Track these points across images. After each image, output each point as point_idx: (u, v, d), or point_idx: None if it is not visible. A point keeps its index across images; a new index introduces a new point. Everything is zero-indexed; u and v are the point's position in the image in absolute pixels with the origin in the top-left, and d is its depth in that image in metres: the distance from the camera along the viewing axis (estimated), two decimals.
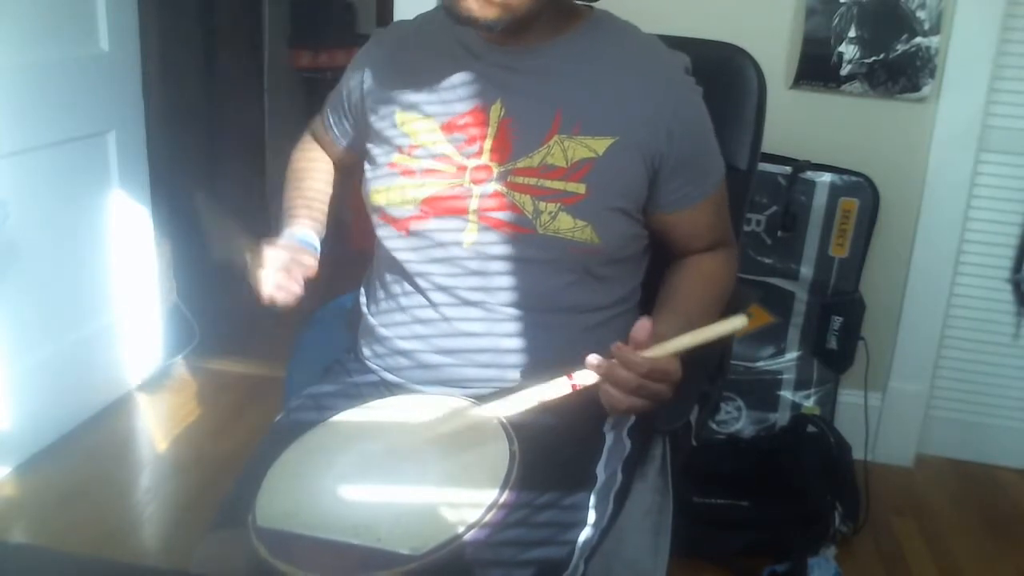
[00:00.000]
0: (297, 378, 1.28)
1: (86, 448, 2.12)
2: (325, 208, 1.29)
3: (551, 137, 1.08)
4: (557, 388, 0.98)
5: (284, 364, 1.33)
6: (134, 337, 2.38)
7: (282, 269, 1.12)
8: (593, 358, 0.96)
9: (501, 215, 1.08)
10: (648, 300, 1.20)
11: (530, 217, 1.07)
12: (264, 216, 3.40)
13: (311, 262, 1.17)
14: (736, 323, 0.95)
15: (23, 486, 1.96)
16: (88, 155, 2.15)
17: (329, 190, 1.32)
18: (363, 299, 1.27)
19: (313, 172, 1.33)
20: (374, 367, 1.20)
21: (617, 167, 1.08)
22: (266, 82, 3.35)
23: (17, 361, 1.99)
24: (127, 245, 2.31)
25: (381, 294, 1.21)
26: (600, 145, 1.07)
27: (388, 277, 1.19)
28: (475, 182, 1.09)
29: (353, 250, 1.27)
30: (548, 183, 1.07)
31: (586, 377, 0.96)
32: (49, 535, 1.81)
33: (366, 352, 1.22)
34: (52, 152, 2.02)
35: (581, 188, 1.07)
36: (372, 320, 1.21)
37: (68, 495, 1.93)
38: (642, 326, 0.96)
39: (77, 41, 2.08)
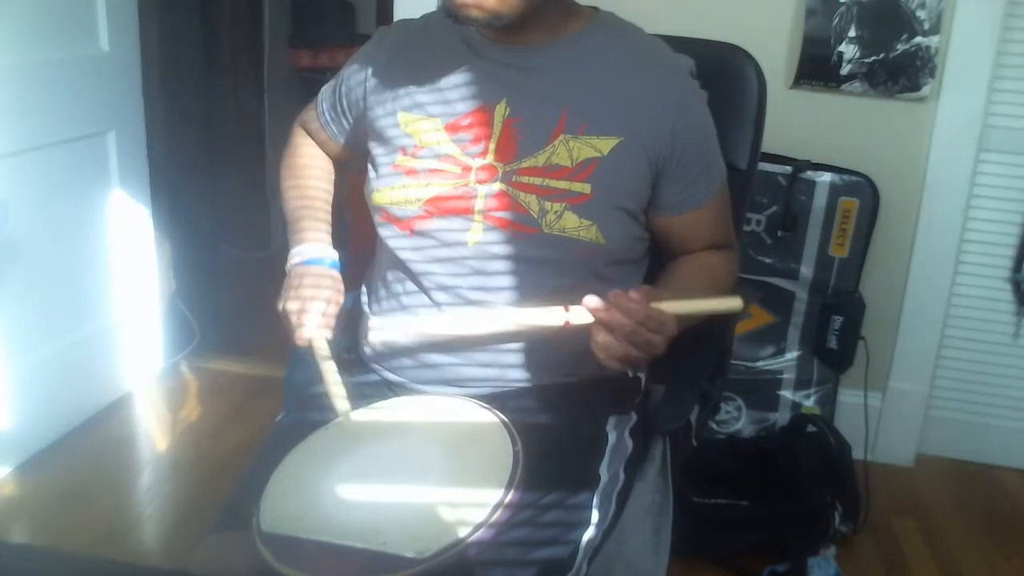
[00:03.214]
0: (297, 378, 1.28)
1: (86, 448, 2.12)
2: (329, 208, 1.29)
3: (556, 137, 1.08)
4: (551, 318, 0.96)
5: (284, 364, 1.33)
6: (134, 337, 2.38)
7: (323, 321, 1.13)
8: (591, 299, 0.94)
9: (507, 214, 1.08)
10: None
11: (536, 216, 1.07)
12: (264, 216, 3.41)
13: (342, 296, 1.17)
14: (733, 303, 0.96)
15: (23, 486, 1.96)
16: (88, 155, 2.15)
17: (331, 188, 1.32)
18: (364, 298, 1.27)
19: (313, 171, 1.32)
20: (375, 366, 1.20)
21: (622, 167, 1.08)
22: (266, 82, 3.35)
23: (17, 361, 1.99)
24: (127, 245, 2.31)
25: (383, 293, 1.21)
26: (605, 145, 1.07)
27: (390, 276, 1.19)
28: (480, 182, 1.09)
29: (353, 250, 1.27)
30: (553, 183, 1.07)
31: (581, 315, 0.95)
32: (49, 535, 1.81)
33: (367, 351, 1.22)
34: (52, 152, 2.02)
35: (586, 188, 1.07)
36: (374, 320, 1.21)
37: (68, 495, 1.93)
38: (643, 287, 0.96)
39: (77, 41, 2.08)
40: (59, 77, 2.01)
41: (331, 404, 1.06)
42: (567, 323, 0.96)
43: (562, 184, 1.07)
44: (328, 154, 1.34)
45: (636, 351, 0.93)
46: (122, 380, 2.36)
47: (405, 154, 1.13)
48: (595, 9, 1.16)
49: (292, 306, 1.13)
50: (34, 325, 2.04)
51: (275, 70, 3.39)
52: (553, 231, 1.07)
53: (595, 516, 1.00)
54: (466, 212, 1.10)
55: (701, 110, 1.13)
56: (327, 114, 1.29)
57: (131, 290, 2.35)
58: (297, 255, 1.20)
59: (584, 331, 0.96)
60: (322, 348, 1.11)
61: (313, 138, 1.35)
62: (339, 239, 1.25)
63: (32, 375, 2.03)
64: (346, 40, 3.41)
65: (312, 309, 1.12)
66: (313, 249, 1.21)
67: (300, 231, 1.23)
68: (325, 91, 1.30)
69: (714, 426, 2.16)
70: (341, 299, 1.17)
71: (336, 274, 1.20)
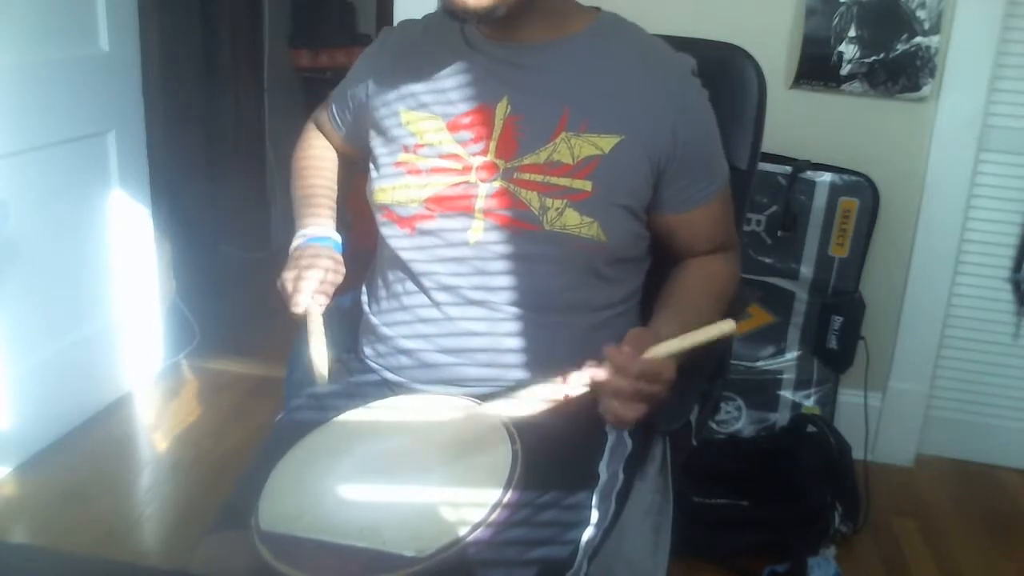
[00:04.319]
0: (297, 378, 1.28)
1: (86, 448, 2.12)
2: (334, 200, 1.30)
3: (558, 134, 1.08)
4: (553, 393, 0.98)
5: (284, 364, 1.33)
6: (134, 337, 2.38)
7: (318, 289, 1.14)
8: (586, 372, 0.96)
9: (507, 212, 1.08)
10: (648, 299, 1.20)
11: (536, 213, 1.07)
12: (264, 216, 3.41)
13: (340, 272, 1.18)
14: (725, 327, 0.95)
15: (23, 486, 1.96)
16: (88, 155, 2.15)
17: (336, 184, 1.33)
18: (364, 298, 1.27)
19: (321, 164, 1.33)
20: (375, 366, 1.20)
21: (623, 165, 1.08)
22: (266, 82, 3.36)
23: (17, 361, 1.99)
24: (127, 245, 2.31)
25: (383, 293, 1.21)
26: (607, 143, 1.08)
27: (391, 276, 1.19)
28: (481, 180, 1.10)
29: (353, 251, 1.27)
30: (554, 179, 1.07)
31: (579, 382, 0.96)
32: (49, 535, 1.81)
33: (367, 351, 1.22)
34: (52, 152, 2.02)
35: (587, 185, 1.07)
36: (374, 319, 1.21)
37: (68, 495, 1.93)
38: (634, 332, 0.97)
39: (77, 41, 2.08)
40: (59, 77, 2.01)
41: (312, 369, 1.07)
42: (567, 397, 0.97)
43: (563, 181, 1.07)
44: (338, 151, 1.35)
45: (642, 409, 0.94)
46: (122, 380, 2.36)
47: (407, 152, 1.13)
48: (597, 9, 1.16)
49: (288, 275, 1.14)
50: (34, 325, 2.04)
51: (275, 70, 3.39)
52: (554, 228, 1.07)
53: (595, 515, 1.00)
54: (467, 210, 1.10)
55: (703, 108, 1.13)
56: (336, 114, 1.30)
57: (131, 290, 2.35)
58: (299, 237, 1.21)
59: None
60: (316, 317, 1.12)
61: (325, 136, 1.36)
62: (340, 239, 1.26)
63: (32, 375, 2.03)
64: (346, 40, 3.41)
65: (308, 276, 1.13)
66: (314, 230, 1.22)
67: (304, 218, 1.25)
68: (335, 91, 1.31)
69: (714, 426, 2.16)
70: (340, 274, 1.18)
71: (336, 253, 1.20)
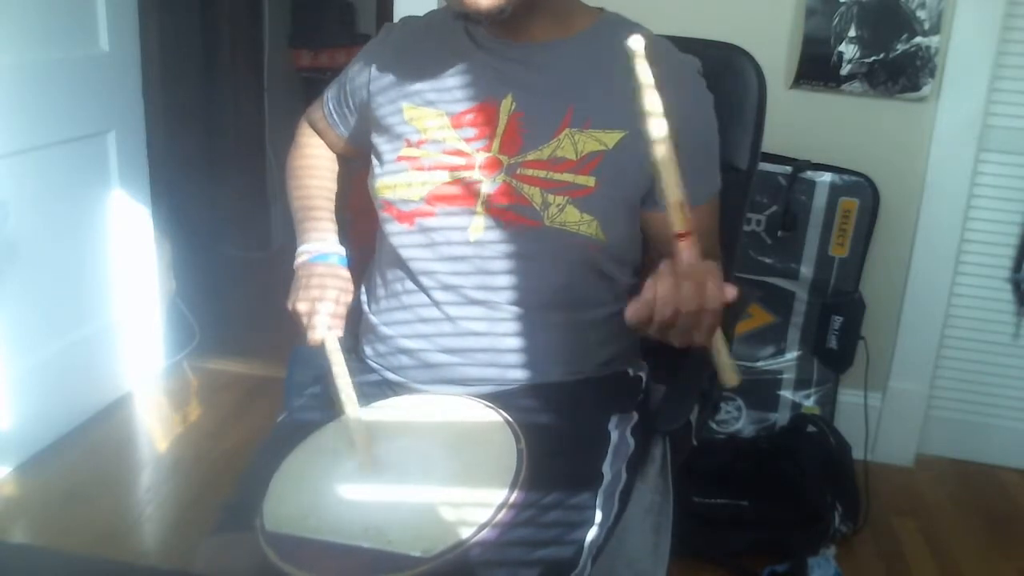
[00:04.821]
0: (297, 378, 1.28)
1: (86, 448, 2.12)
2: (334, 206, 1.30)
3: (562, 131, 1.08)
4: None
5: (284, 364, 1.33)
6: (134, 337, 2.38)
7: (332, 322, 1.14)
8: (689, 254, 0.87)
9: (509, 207, 1.08)
10: None
11: (538, 209, 1.07)
12: (264, 216, 3.41)
13: (349, 293, 1.18)
14: (733, 377, 0.87)
15: (23, 486, 1.96)
16: (88, 155, 2.15)
17: (335, 186, 1.32)
18: (363, 297, 1.27)
19: (318, 166, 1.32)
20: (376, 366, 1.20)
21: (626, 161, 1.08)
22: (266, 82, 3.36)
23: (17, 361, 1.99)
24: (127, 245, 2.31)
25: (382, 292, 1.21)
26: (610, 139, 1.08)
27: (390, 275, 1.19)
28: (484, 176, 1.09)
29: (353, 250, 1.27)
30: (557, 175, 1.07)
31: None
32: (49, 535, 1.81)
33: (367, 351, 1.22)
34: (52, 152, 2.02)
35: (590, 181, 1.07)
36: (373, 319, 1.21)
37: (68, 495, 1.93)
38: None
39: (77, 41, 2.08)
40: (59, 77, 2.01)
41: (340, 406, 1.06)
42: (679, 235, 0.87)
43: (566, 177, 1.07)
44: (334, 151, 1.34)
45: (674, 332, 0.87)
46: (122, 380, 2.36)
47: (409, 145, 1.13)
48: (602, 9, 1.16)
49: (302, 307, 1.14)
50: (34, 325, 2.04)
51: (275, 70, 3.39)
52: (554, 224, 1.07)
53: (598, 515, 1.00)
54: (469, 205, 1.10)
55: (707, 109, 1.13)
56: (333, 112, 1.29)
57: (131, 290, 2.34)
58: (304, 253, 1.21)
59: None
60: (334, 348, 1.11)
61: (320, 135, 1.35)
62: (340, 238, 1.26)
63: (32, 375, 2.03)
64: (346, 40, 3.41)
65: (321, 310, 1.13)
66: (319, 246, 1.21)
67: (306, 229, 1.24)
68: (331, 88, 1.30)
69: (714, 426, 2.16)
70: (350, 296, 1.18)
71: (343, 271, 1.20)
